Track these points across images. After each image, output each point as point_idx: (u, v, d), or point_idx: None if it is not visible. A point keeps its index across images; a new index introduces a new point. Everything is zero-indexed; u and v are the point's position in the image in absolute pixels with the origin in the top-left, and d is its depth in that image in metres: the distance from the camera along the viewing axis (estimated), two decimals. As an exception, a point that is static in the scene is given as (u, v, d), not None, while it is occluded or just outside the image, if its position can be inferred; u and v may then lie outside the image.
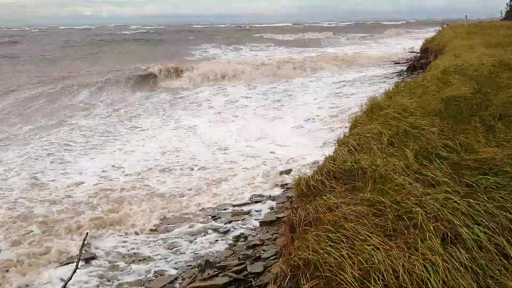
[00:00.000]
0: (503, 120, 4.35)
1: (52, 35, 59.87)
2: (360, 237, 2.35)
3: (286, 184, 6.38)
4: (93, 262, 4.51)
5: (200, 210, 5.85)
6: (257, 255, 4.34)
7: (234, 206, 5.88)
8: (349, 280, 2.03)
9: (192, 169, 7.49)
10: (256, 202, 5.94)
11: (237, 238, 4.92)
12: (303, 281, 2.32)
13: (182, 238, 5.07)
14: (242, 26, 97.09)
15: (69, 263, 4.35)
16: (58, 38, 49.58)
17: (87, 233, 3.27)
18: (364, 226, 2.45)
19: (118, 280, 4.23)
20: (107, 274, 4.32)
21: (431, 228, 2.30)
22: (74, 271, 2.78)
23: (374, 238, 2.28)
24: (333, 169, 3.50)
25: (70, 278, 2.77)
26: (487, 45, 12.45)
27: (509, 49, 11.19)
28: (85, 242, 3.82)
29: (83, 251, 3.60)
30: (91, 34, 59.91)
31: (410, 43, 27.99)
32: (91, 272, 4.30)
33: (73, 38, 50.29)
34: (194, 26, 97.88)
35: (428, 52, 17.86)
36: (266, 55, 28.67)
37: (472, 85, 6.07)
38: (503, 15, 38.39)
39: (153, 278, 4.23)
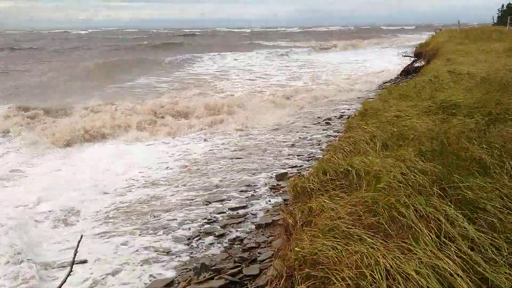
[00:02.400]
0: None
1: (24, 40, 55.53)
2: (355, 237, 2.36)
3: (282, 187, 6.40)
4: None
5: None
6: (253, 257, 4.34)
7: (229, 209, 5.88)
8: (345, 278, 2.04)
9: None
10: (252, 205, 5.95)
11: (232, 241, 4.92)
12: (299, 282, 2.33)
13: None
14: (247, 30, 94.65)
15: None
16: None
17: (81, 236, 3.25)
18: (359, 226, 2.47)
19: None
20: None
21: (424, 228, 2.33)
22: (68, 274, 2.77)
23: (369, 239, 2.30)
24: (328, 171, 3.52)
25: (64, 281, 2.75)
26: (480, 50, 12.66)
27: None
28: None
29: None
30: (71, 39, 55.86)
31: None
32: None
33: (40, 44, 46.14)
34: (184, 30, 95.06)
35: (422, 56, 18.06)
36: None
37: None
38: (495, 21, 39.01)
39: (149, 281, 4.21)
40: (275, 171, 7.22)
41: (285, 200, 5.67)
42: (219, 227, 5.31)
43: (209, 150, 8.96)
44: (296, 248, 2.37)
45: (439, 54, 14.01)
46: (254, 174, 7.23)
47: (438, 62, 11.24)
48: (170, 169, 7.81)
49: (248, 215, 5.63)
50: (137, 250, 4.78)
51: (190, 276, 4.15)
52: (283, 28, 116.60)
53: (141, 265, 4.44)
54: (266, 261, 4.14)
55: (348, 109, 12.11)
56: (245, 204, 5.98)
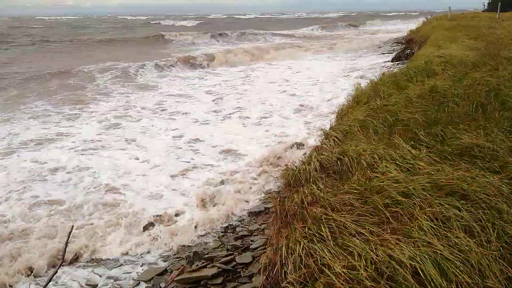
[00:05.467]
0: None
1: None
2: (347, 226, 2.36)
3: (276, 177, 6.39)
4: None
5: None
6: (246, 245, 4.34)
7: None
8: (336, 270, 2.05)
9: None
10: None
11: (225, 229, 4.91)
12: (291, 271, 2.33)
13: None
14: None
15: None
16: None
17: (72, 226, 3.22)
18: (351, 215, 2.47)
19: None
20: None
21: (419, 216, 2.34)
22: (60, 266, 2.74)
23: (359, 227, 2.30)
24: (321, 159, 3.51)
25: (55, 272, 2.73)
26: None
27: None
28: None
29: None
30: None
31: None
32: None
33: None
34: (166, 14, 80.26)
35: (413, 43, 18.05)
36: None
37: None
38: (485, 7, 39.02)
39: (142, 270, 4.20)
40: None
41: (278, 187, 5.66)
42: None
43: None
44: (287, 242, 2.36)
45: (429, 41, 14.01)
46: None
47: (429, 48, 11.26)
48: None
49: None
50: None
51: (182, 265, 4.14)
52: (279, 15, 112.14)
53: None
54: (259, 249, 4.14)
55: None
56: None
